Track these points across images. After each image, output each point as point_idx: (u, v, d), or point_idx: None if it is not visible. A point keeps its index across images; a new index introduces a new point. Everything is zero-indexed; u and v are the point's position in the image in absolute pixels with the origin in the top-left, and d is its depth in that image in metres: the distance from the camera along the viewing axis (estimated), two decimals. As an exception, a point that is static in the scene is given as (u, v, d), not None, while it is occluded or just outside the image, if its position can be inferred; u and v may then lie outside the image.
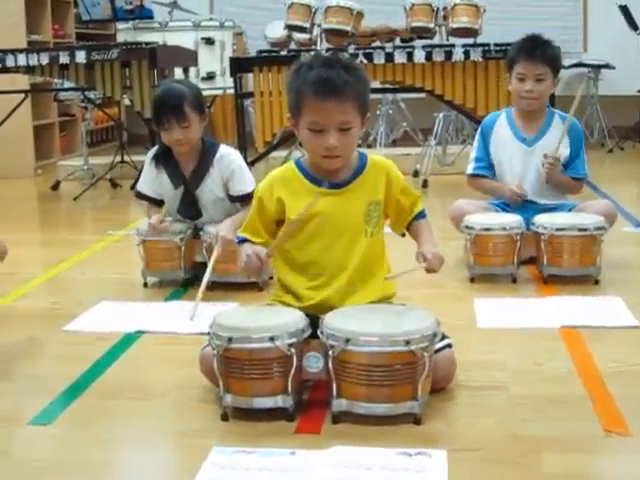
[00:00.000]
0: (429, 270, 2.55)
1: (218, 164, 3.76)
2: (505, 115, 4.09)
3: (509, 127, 4.03)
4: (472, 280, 3.73)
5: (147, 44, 6.25)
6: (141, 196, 3.94)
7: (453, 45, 5.98)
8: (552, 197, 3.99)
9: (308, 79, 2.43)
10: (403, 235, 2.72)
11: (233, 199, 3.79)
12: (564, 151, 3.93)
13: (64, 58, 6.20)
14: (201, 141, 3.78)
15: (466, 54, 5.88)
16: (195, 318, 3.24)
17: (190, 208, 3.85)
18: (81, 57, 6.15)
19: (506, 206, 4.00)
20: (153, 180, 3.86)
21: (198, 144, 3.77)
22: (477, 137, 4.16)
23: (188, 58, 6.96)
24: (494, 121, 4.09)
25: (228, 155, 3.78)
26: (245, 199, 3.63)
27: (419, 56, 5.89)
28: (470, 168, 4.11)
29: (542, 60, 3.89)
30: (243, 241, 2.61)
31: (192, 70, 7.25)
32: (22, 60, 6.31)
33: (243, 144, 6.46)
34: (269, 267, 2.74)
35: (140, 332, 3.18)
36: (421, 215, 2.68)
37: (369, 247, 2.57)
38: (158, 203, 3.91)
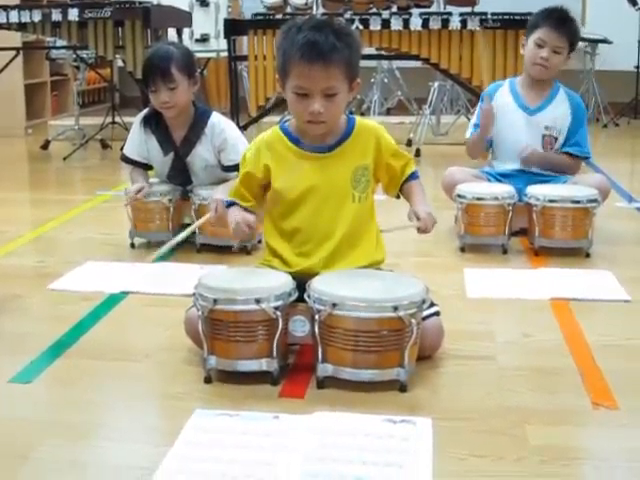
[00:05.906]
0: (421, 229, 2.52)
1: (210, 132, 3.70)
2: (509, 84, 4.08)
3: (512, 95, 4.01)
4: (463, 250, 3.70)
5: (140, 3, 6.17)
6: (127, 160, 3.88)
7: (450, 13, 5.90)
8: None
9: (296, 42, 2.36)
10: (398, 197, 2.67)
11: (225, 168, 3.73)
12: (565, 120, 3.93)
13: (57, 15, 6.12)
14: (193, 107, 3.73)
15: (463, 23, 5.80)
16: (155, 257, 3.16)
17: (181, 175, 3.81)
18: (74, 15, 6.07)
19: (500, 176, 3.97)
20: (141, 144, 3.80)
21: (190, 110, 3.71)
22: (479, 104, 4.14)
23: (182, 19, 6.89)
24: (496, 90, 4.07)
25: (220, 124, 3.72)
26: (238, 169, 3.58)
27: (415, 23, 5.82)
28: (468, 133, 4.10)
29: (567, 34, 3.88)
30: (231, 204, 2.59)
31: (186, 31, 7.17)
32: (14, 17, 6.22)
33: (236, 108, 6.39)
34: (259, 231, 2.71)
35: (125, 293, 3.15)
36: (413, 176, 2.63)
37: (357, 213, 2.53)
38: (144, 167, 3.86)
